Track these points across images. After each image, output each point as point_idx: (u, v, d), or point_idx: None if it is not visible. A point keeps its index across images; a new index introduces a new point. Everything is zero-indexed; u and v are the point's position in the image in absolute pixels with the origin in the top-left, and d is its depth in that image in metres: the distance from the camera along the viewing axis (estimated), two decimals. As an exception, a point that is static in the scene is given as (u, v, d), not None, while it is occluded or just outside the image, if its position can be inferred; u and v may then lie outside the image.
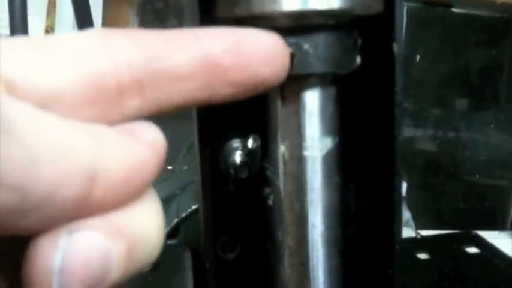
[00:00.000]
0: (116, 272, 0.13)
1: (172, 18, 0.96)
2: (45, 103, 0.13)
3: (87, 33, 0.15)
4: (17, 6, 0.55)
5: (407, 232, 0.66)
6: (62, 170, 0.12)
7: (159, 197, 0.47)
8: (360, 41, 0.23)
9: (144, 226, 0.14)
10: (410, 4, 1.04)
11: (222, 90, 0.16)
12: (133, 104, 0.15)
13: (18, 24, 0.56)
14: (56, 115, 0.13)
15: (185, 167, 0.50)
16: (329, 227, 0.23)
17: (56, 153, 0.12)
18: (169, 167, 0.56)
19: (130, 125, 0.15)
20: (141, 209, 0.15)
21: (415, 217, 0.74)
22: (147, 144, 0.14)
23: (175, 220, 0.40)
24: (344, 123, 0.24)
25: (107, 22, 0.82)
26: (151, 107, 0.15)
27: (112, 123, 0.15)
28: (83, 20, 0.65)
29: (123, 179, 0.14)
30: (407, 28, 1.06)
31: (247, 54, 0.16)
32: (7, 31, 0.58)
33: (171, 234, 0.40)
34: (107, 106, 0.14)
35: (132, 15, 0.90)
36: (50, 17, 0.74)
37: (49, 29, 0.74)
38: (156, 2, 0.95)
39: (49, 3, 0.74)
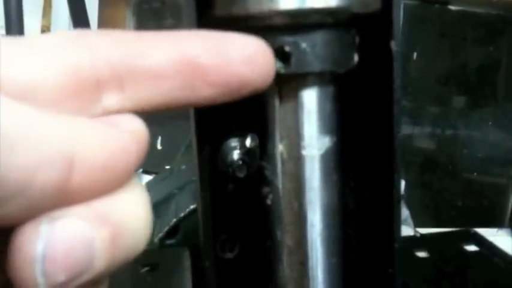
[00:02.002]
0: (100, 261, 0.13)
1: (169, 18, 0.96)
2: (25, 96, 0.13)
3: (67, 32, 0.15)
4: (13, 5, 0.55)
5: (406, 230, 0.66)
6: (38, 157, 0.12)
7: (158, 196, 0.47)
8: (357, 39, 0.23)
9: (129, 214, 0.14)
10: (407, 2, 1.04)
11: (203, 91, 0.16)
12: (113, 99, 0.15)
13: (14, 24, 0.55)
14: (33, 106, 0.13)
15: (183, 167, 0.50)
16: (328, 225, 0.23)
17: (32, 140, 0.12)
18: (168, 167, 0.56)
19: (111, 116, 0.15)
20: (125, 197, 0.14)
21: (413, 215, 0.74)
22: (127, 132, 0.15)
23: (174, 220, 0.39)
24: (342, 121, 0.24)
25: (103, 21, 0.82)
26: (132, 105, 0.15)
27: (93, 118, 0.15)
28: (79, 19, 0.65)
29: (102, 164, 0.14)
30: (404, 26, 1.06)
31: (228, 55, 0.16)
32: (3, 31, 0.58)
33: (170, 233, 0.40)
34: (87, 100, 0.15)
35: (128, 15, 0.90)
36: (46, 16, 0.74)
37: (45, 29, 0.74)
38: (152, 1, 0.95)
39: (45, 2, 0.74)
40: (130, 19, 0.91)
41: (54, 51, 0.14)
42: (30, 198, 0.12)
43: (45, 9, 0.74)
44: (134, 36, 0.16)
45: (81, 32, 0.15)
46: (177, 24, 0.96)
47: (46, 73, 0.14)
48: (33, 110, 0.13)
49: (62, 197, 0.13)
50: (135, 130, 0.15)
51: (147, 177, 0.60)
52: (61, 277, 0.13)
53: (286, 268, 0.24)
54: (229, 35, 0.17)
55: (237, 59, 0.16)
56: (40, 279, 0.13)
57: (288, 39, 0.21)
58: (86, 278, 0.13)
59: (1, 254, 0.14)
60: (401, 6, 0.23)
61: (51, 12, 0.75)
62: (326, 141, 0.23)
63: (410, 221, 0.68)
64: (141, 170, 0.67)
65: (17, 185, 0.12)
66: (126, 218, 0.14)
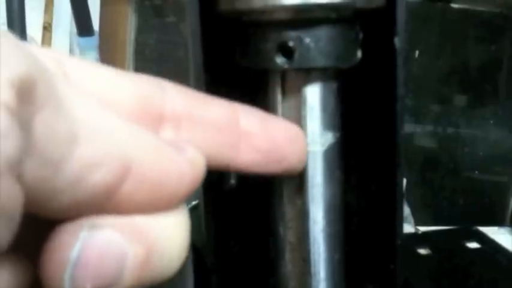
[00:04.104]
0: (129, 277, 0.13)
1: (170, 15, 0.96)
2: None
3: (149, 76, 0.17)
4: (15, 1, 0.55)
5: (407, 228, 0.66)
6: (98, 154, 0.13)
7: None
8: (361, 35, 0.23)
9: (167, 238, 0.14)
10: (410, 0, 1.04)
11: (246, 154, 0.17)
12: (168, 135, 0.16)
13: (16, 20, 0.55)
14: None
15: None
16: (330, 222, 0.23)
17: (97, 134, 0.13)
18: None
19: (179, 141, 0.16)
20: (168, 220, 0.15)
21: (414, 213, 0.74)
22: (188, 158, 0.15)
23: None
24: (345, 117, 0.24)
25: (104, 18, 0.81)
26: None
27: None
28: (81, 15, 0.65)
29: (156, 180, 0.14)
30: (406, 24, 1.06)
31: (274, 129, 0.18)
32: (4, 27, 0.58)
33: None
34: (151, 126, 0.16)
35: (130, 12, 0.90)
36: (48, 12, 0.74)
37: (47, 25, 0.74)
38: (154, -2, 0.95)
39: (47, -1, 0.74)
40: (132, 16, 0.91)
41: (136, 80, 0.16)
42: (81, 195, 0.13)
43: (47, 5, 0.74)
44: (200, 94, 0.18)
45: (160, 80, 0.17)
46: (178, 21, 0.96)
47: (123, 93, 0.15)
48: (105, 111, 0.13)
49: (110, 202, 0.13)
50: (196, 160, 0.15)
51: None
52: (88, 285, 0.13)
53: (288, 264, 0.24)
54: (275, 117, 0.20)
55: (281, 133, 0.19)
56: (67, 283, 0.13)
57: (292, 34, 0.21)
58: None
59: (36, 248, 0.14)
60: (405, 2, 0.22)
61: (53, 8, 0.75)
62: (329, 137, 0.23)
63: (411, 218, 0.68)
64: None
65: (71, 178, 0.12)
66: (164, 241, 0.14)
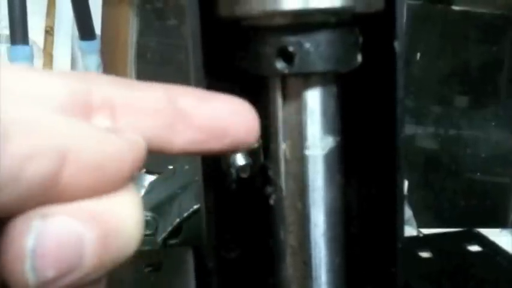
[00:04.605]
0: (89, 259, 0.14)
1: (172, 18, 0.96)
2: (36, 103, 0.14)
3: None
4: (17, 5, 0.55)
5: (409, 230, 0.66)
6: (31, 146, 0.13)
7: (161, 196, 0.47)
8: (361, 39, 0.23)
9: (120, 217, 0.15)
10: (410, 1, 1.04)
11: (185, 134, 0.17)
12: (105, 123, 0.16)
13: (18, 24, 0.56)
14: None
15: (186, 167, 0.50)
16: (331, 225, 0.23)
17: (28, 129, 0.13)
18: (171, 167, 0.56)
19: (116, 126, 0.16)
20: (118, 200, 0.15)
21: (416, 215, 0.74)
22: (126, 140, 0.15)
23: (177, 220, 0.39)
24: (346, 121, 0.24)
25: (106, 22, 0.82)
26: None
27: None
28: (83, 19, 0.65)
29: (96, 164, 0.14)
30: (407, 25, 1.06)
31: (212, 103, 0.18)
32: (7, 31, 0.58)
33: (173, 233, 0.40)
34: (83, 117, 0.16)
35: (131, 15, 0.90)
36: (49, 16, 0.74)
37: (49, 29, 0.74)
38: (156, 2, 0.95)
39: (49, 2, 0.74)
40: (133, 19, 0.91)
41: (62, 77, 0.16)
42: (22, 188, 0.13)
43: (49, 9, 0.74)
44: (129, 80, 0.17)
45: (85, 72, 0.17)
46: (179, 24, 0.96)
47: (53, 91, 0.15)
48: (35, 107, 0.14)
49: (54, 192, 0.13)
50: (134, 140, 0.16)
51: (151, 177, 0.60)
52: (50, 273, 0.13)
53: (289, 268, 0.24)
54: (216, 93, 0.18)
55: (220, 107, 0.18)
56: (29, 274, 0.13)
57: (292, 39, 0.21)
58: (75, 276, 0.14)
59: None
60: (405, 6, 0.23)
61: (55, 12, 0.75)
62: (329, 141, 0.23)
63: (413, 221, 0.68)
64: (144, 170, 0.67)
65: (10, 173, 0.12)
66: (117, 220, 0.15)
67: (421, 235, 0.55)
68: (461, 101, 1.17)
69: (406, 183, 0.73)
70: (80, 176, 0.14)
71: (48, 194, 0.13)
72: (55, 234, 0.13)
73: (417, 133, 1.17)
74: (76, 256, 0.14)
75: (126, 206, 0.15)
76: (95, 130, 0.15)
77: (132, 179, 0.16)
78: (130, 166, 0.15)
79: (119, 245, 0.15)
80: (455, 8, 1.06)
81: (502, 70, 1.18)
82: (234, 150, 0.19)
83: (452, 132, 1.18)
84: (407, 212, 0.67)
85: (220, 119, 0.18)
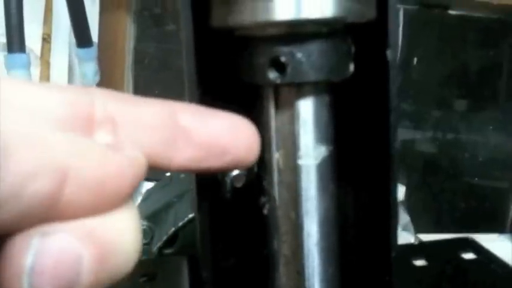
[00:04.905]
0: (86, 277, 0.14)
1: (170, 24, 0.96)
2: (36, 117, 0.14)
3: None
4: (13, 13, 0.55)
5: (407, 236, 0.66)
6: (33, 164, 0.13)
7: (158, 204, 0.47)
8: (353, 48, 0.23)
9: (119, 235, 0.15)
10: (407, 7, 1.04)
11: (185, 151, 0.17)
12: (107, 139, 0.16)
13: (15, 31, 0.56)
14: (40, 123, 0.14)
15: (182, 175, 0.50)
16: (325, 235, 0.23)
17: (29, 144, 0.13)
18: (168, 174, 0.56)
19: (117, 142, 0.16)
20: (117, 218, 0.15)
21: (414, 220, 0.74)
22: (127, 157, 0.15)
23: (173, 228, 0.39)
24: (339, 130, 0.24)
25: (103, 29, 0.82)
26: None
27: None
28: (80, 27, 0.65)
29: (96, 182, 0.14)
30: (404, 30, 1.06)
31: (212, 120, 0.18)
32: (3, 39, 0.58)
33: (169, 242, 0.40)
34: (81, 132, 0.15)
35: (129, 22, 0.90)
36: (46, 24, 0.74)
37: (46, 36, 0.74)
38: (153, 8, 0.95)
39: (46, 9, 0.74)
40: (131, 26, 0.91)
41: (63, 89, 0.16)
42: (23, 205, 0.13)
43: (46, 16, 0.74)
44: (130, 95, 0.17)
45: (87, 87, 0.17)
46: (178, 29, 0.96)
47: (54, 105, 0.15)
48: (36, 122, 0.14)
49: (54, 209, 0.14)
50: (134, 157, 0.16)
51: (148, 185, 0.60)
52: None
53: (282, 277, 0.24)
54: (216, 110, 0.18)
55: (221, 125, 0.18)
56: None
57: (284, 49, 0.21)
58: None
59: None
60: (398, 15, 0.23)
61: (52, 20, 0.75)
62: (322, 151, 0.23)
63: (411, 226, 0.68)
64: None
65: (10, 190, 0.12)
66: (116, 238, 0.15)
67: (417, 242, 0.55)
68: (460, 104, 1.18)
69: (403, 189, 0.73)
70: (80, 194, 0.14)
71: (48, 211, 0.13)
72: (54, 252, 0.13)
73: (416, 137, 1.18)
74: (73, 274, 0.14)
75: (125, 223, 0.15)
76: (95, 147, 0.15)
77: (132, 195, 0.16)
78: (130, 183, 0.15)
79: (117, 263, 0.15)
80: (452, 12, 1.06)
81: (501, 74, 1.18)
82: (234, 168, 0.19)
83: (450, 136, 1.18)
84: (405, 218, 0.67)
85: (220, 136, 0.18)
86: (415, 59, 1.10)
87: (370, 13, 0.22)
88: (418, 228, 0.76)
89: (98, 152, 0.15)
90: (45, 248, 0.13)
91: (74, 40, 0.69)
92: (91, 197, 0.14)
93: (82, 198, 0.14)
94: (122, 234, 0.15)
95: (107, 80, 0.80)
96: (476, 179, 1.15)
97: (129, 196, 0.15)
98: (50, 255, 0.13)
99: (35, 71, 0.73)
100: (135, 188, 0.16)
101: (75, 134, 0.15)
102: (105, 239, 0.14)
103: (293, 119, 0.22)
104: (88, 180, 0.14)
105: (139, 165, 0.16)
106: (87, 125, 0.15)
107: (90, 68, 0.69)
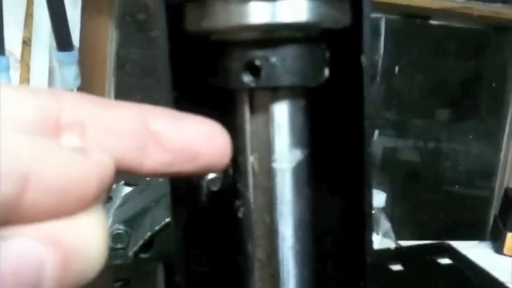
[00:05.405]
0: (49, 282, 0.13)
1: (154, 30, 0.96)
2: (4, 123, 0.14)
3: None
4: (-7, 17, 0.54)
5: (387, 243, 0.66)
6: None
7: (136, 209, 0.47)
8: (328, 54, 0.23)
9: (83, 241, 0.14)
10: (389, 16, 1.06)
11: (156, 156, 0.17)
12: (75, 143, 0.16)
13: (-5, 35, 0.55)
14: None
15: (160, 179, 0.50)
16: (300, 239, 0.23)
17: None
18: (147, 179, 0.56)
19: (84, 146, 0.16)
20: (82, 222, 0.15)
21: (396, 227, 0.75)
22: (93, 161, 0.15)
23: (149, 233, 0.39)
24: (314, 135, 0.24)
25: (85, 34, 0.81)
26: None
27: None
28: (61, 30, 0.65)
29: (60, 187, 0.14)
30: (386, 40, 1.07)
31: (184, 124, 0.18)
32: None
33: (145, 247, 0.40)
34: (51, 136, 0.15)
35: (111, 28, 0.90)
36: (27, 27, 0.73)
37: (27, 40, 0.73)
38: (137, 14, 0.95)
39: (26, 13, 0.73)
40: (113, 31, 0.91)
41: (34, 92, 0.16)
42: None
43: (27, 20, 0.73)
44: (104, 99, 0.17)
45: (55, 90, 0.17)
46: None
47: (23, 109, 0.15)
48: None
49: (15, 214, 0.13)
50: (102, 162, 0.15)
51: (127, 189, 0.60)
52: None
53: (258, 282, 0.24)
54: (189, 114, 0.18)
55: (193, 129, 0.18)
56: None
57: (258, 53, 0.21)
58: None
59: None
60: (371, 22, 0.23)
61: (33, 23, 0.74)
62: (297, 155, 0.23)
63: (391, 233, 0.68)
64: (122, 181, 0.67)
65: None
66: (80, 243, 0.14)
67: (394, 248, 0.55)
68: (442, 114, 1.19)
69: (384, 196, 0.74)
70: (42, 198, 0.13)
71: (9, 215, 0.13)
72: (13, 256, 0.13)
73: (398, 146, 1.18)
74: (35, 279, 0.13)
75: (91, 228, 0.15)
76: (60, 151, 0.14)
77: (100, 199, 0.16)
78: (96, 187, 0.15)
79: (81, 269, 0.14)
80: (434, 22, 1.08)
81: (482, 84, 1.20)
82: (206, 172, 0.19)
83: (432, 145, 1.19)
84: (386, 225, 0.67)
85: (192, 141, 0.18)
86: (397, 68, 1.11)
87: (345, 19, 0.22)
88: (399, 235, 0.76)
89: (62, 156, 0.14)
90: (4, 253, 0.13)
91: (54, 43, 0.69)
92: (54, 201, 0.14)
93: (44, 202, 0.13)
94: (87, 239, 0.14)
95: (88, 84, 0.80)
96: (457, 187, 1.17)
97: (96, 200, 0.15)
98: (9, 259, 0.13)
99: (15, 74, 0.72)
100: (103, 192, 0.15)
101: (39, 137, 0.14)
102: (69, 243, 0.14)
103: (268, 123, 0.22)
104: (50, 184, 0.14)
105: (107, 169, 0.15)
106: (54, 129, 0.15)
107: (71, 72, 0.68)
